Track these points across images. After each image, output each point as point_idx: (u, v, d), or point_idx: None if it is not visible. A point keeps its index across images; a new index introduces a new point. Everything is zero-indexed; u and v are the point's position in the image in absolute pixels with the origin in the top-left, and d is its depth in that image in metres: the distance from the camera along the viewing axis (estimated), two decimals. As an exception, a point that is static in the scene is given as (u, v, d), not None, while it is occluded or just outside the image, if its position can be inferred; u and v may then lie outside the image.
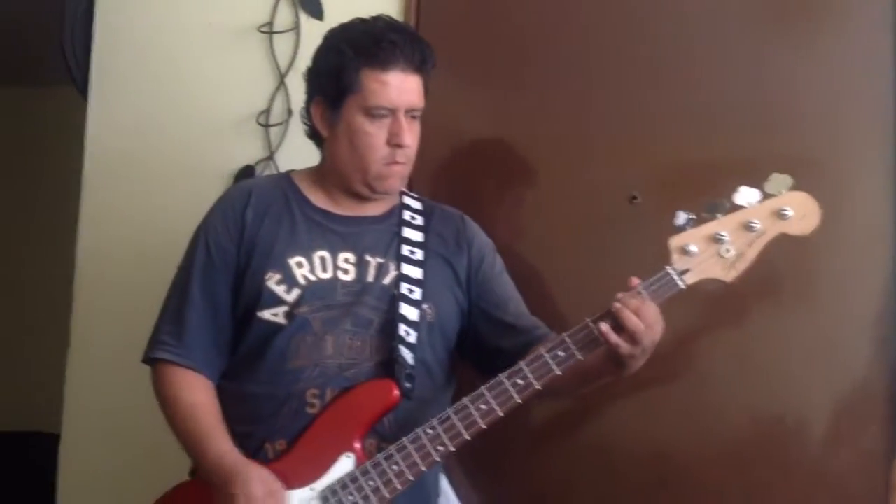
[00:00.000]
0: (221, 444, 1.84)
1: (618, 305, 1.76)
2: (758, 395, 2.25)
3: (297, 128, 2.52)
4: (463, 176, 2.49)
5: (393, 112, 1.91)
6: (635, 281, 1.80)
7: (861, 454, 2.20)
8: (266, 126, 2.60)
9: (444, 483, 2.13)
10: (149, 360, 1.96)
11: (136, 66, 2.74)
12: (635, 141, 2.35)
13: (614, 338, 1.75)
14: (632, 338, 1.74)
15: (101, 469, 2.65)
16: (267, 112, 2.61)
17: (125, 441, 2.62)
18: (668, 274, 1.81)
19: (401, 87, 1.90)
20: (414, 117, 1.94)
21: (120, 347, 2.60)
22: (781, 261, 1.90)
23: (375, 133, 1.91)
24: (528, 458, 2.37)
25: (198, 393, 1.91)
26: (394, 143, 1.91)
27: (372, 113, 1.91)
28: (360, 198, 1.99)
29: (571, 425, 2.38)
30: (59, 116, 3.42)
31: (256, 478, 1.78)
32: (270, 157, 2.59)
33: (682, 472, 2.27)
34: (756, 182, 1.82)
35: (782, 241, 1.83)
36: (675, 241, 1.82)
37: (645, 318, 1.75)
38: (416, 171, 2.13)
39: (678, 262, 1.81)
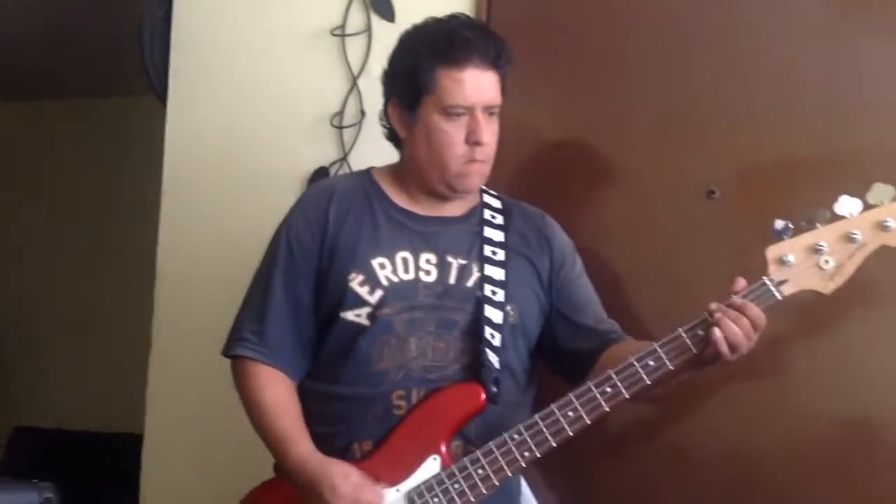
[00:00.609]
0: (302, 446, 1.86)
1: (718, 316, 1.75)
2: (846, 400, 2.18)
3: (370, 129, 2.56)
4: (540, 174, 2.47)
5: (470, 110, 1.90)
6: (741, 284, 1.79)
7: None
8: (339, 128, 2.62)
9: (524, 485, 2.12)
10: (230, 355, 1.98)
11: (212, 72, 2.78)
12: (713, 135, 2.30)
13: (725, 347, 1.74)
14: (731, 348, 1.75)
15: (184, 469, 2.70)
16: (340, 114, 2.62)
17: (207, 441, 2.67)
18: (765, 284, 1.79)
19: (477, 85, 1.89)
20: (492, 114, 1.93)
21: (200, 348, 2.64)
22: (875, 263, 1.83)
23: (453, 132, 1.90)
24: (608, 460, 2.34)
25: (280, 392, 1.93)
26: (472, 140, 1.90)
27: (449, 112, 1.90)
28: (441, 197, 1.99)
29: (653, 427, 2.34)
30: (140, 126, 3.48)
31: (340, 475, 1.79)
32: (344, 159, 2.60)
33: (767, 477, 2.21)
34: (853, 187, 1.78)
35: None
36: (772, 252, 1.79)
37: (744, 328, 1.75)
38: (495, 171, 2.12)
39: (775, 272, 1.79)
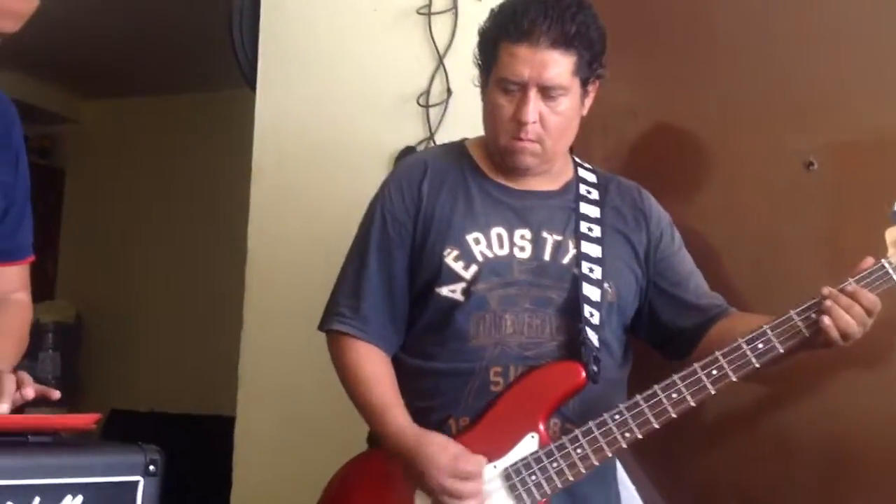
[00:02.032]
0: (400, 417, 1.85)
1: (828, 304, 1.71)
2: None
3: (456, 108, 2.56)
4: (636, 152, 2.44)
5: (522, 87, 1.85)
6: (868, 262, 1.75)
7: None
8: (426, 107, 2.61)
9: (619, 467, 2.09)
10: (326, 330, 1.98)
11: (299, 54, 2.80)
12: (812, 106, 2.25)
13: (835, 333, 1.71)
14: (844, 336, 1.71)
15: (275, 449, 2.72)
16: (427, 93, 2.62)
17: (298, 421, 2.68)
18: (884, 268, 1.75)
19: (530, 61, 1.82)
20: (552, 96, 1.85)
21: (291, 329, 2.68)
22: None
23: (505, 106, 1.87)
24: (703, 450, 2.31)
25: (376, 365, 1.92)
26: (515, 117, 1.86)
27: (502, 86, 1.87)
28: (518, 170, 1.95)
29: (748, 419, 2.30)
30: (230, 118, 3.53)
31: (439, 446, 1.78)
32: (430, 138, 2.59)
33: (865, 471, 2.15)
34: None
35: None
36: (891, 233, 1.76)
37: (857, 316, 1.71)
38: (589, 151, 2.09)
39: (895, 255, 1.74)
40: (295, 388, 2.70)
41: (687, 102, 2.39)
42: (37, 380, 1.59)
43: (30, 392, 1.52)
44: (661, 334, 1.98)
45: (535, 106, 1.84)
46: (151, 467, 1.50)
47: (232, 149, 3.16)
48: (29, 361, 1.62)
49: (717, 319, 1.92)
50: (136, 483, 1.48)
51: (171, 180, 5.23)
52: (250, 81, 2.92)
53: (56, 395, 1.56)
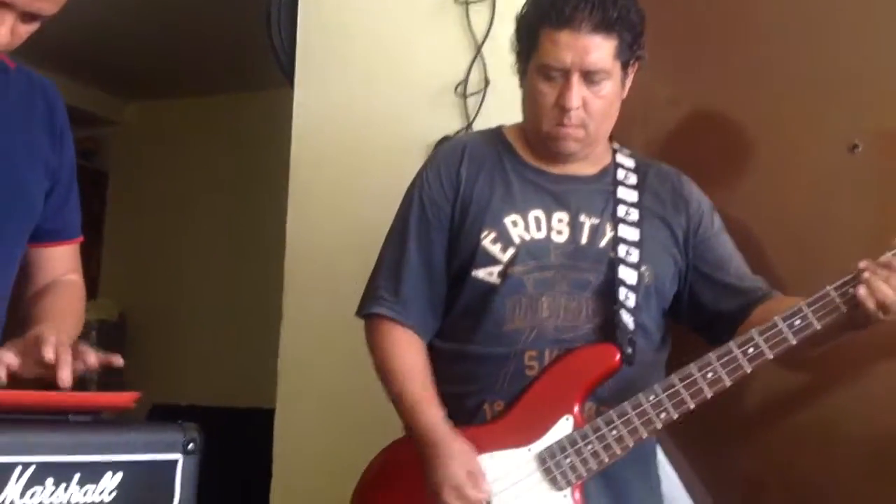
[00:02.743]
0: (432, 413, 1.84)
1: (866, 275, 1.68)
2: None
3: (494, 97, 2.55)
4: (677, 137, 2.42)
5: (565, 73, 1.83)
6: None
7: None
8: (464, 96, 2.61)
9: (659, 451, 2.06)
10: (365, 314, 1.98)
11: (337, 46, 2.81)
12: (855, 87, 2.21)
13: (872, 304, 1.67)
14: (883, 308, 1.68)
15: (315, 441, 2.73)
16: (464, 83, 2.61)
17: (337, 414, 2.69)
18: None
19: (573, 47, 1.81)
20: (595, 81, 1.84)
21: (330, 322, 2.68)
22: None
23: (547, 93, 1.86)
24: (745, 440, 2.28)
25: (412, 355, 1.92)
26: (559, 104, 1.85)
27: (544, 72, 1.86)
28: (557, 157, 1.94)
29: (790, 408, 2.27)
30: (269, 117, 3.55)
31: (461, 461, 1.77)
32: (468, 127, 2.58)
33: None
34: None
35: None
36: None
37: (893, 282, 1.68)
38: (629, 137, 2.08)
39: None
40: (333, 380, 2.70)
41: (728, 89, 2.37)
42: (80, 378, 1.58)
43: (92, 359, 1.53)
44: (703, 318, 1.96)
45: (578, 91, 1.83)
46: (191, 445, 1.50)
47: (272, 148, 3.18)
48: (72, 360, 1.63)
49: (759, 302, 1.89)
50: (175, 461, 1.49)
51: (211, 180, 5.29)
52: (289, 77, 2.93)
53: (119, 360, 1.56)
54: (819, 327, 1.72)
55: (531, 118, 1.93)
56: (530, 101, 1.92)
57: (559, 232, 1.90)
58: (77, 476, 1.40)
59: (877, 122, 2.18)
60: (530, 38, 1.89)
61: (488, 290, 1.87)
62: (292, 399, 2.81)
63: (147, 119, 5.71)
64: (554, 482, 1.77)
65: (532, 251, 1.87)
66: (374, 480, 1.90)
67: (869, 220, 1.99)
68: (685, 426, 2.18)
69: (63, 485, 1.37)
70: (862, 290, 1.68)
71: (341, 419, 2.67)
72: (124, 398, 1.50)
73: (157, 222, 5.45)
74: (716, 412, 2.20)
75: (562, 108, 1.85)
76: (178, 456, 1.49)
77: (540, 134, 1.91)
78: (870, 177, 2.15)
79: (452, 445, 1.78)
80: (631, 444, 1.76)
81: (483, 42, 2.59)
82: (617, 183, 1.96)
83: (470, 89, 2.60)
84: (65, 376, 1.47)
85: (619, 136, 2.13)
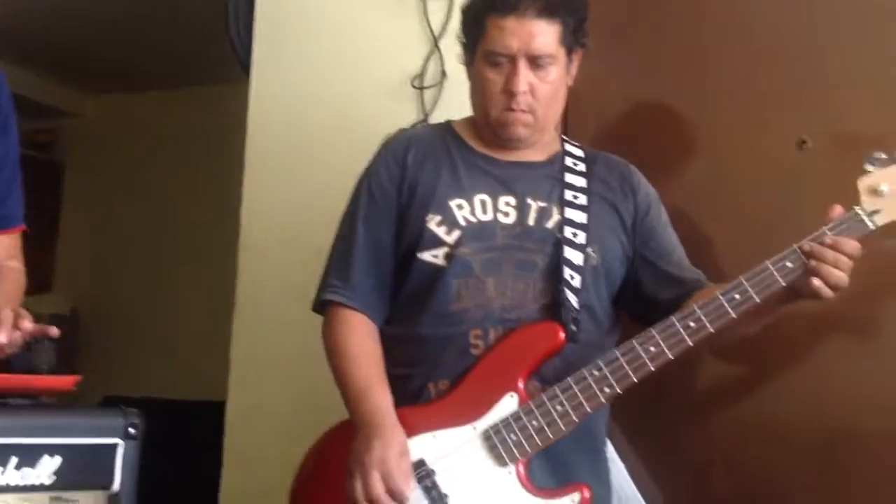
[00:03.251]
0: (382, 399, 1.83)
1: (814, 264, 1.71)
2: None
3: (451, 90, 2.55)
4: (624, 131, 2.44)
5: (511, 58, 1.86)
6: (837, 211, 1.75)
7: None
8: (420, 89, 2.61)
9: (610, 448, 2.07)
10: (318, 305, 1.98)
11: (294, 37, 2.80)
12: (806, 84, 2.24)
13: (828, 292, 1.71)
14: (836, 289, 1.71)
15: (266, 434, 2.71)
16: (421, 75, 2.61)
17: (289, 406, 2.67)
18: (858, 215, 1.74)
19: (518, 33, 1.84)
20: (541, 66, 1.87)
21: (283, 314, 2.67)
22: None
23: (494, 79, 1.89)
24: (693, 429, 2.30)
25: (363, 339, 1.92)
26: (507, 89, 1.87)
27: (491, 59, 1.88)
28: (506, 144, 1.96)
29: (738, 400, 2.29)
30: (225, 110, 3.53)
31: (397, 452, 1.76)
32: (425, 120, 2.58)
33: (853, 447, 2.14)
34: None
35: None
36: (863, 182, 1.76)
37: (845, 267, 1.71)
38: (577, 130, 2.09)
39: (868, 202, 1.75)
40: (285, 372, 2.69)
41: (679, 85, 2.39)
42: (32, 371, 1.58)
43: (27, 325, 1.52)
44: (641, 306, 1.97)
45: (524, 76, 1.86)
46: (132, 430, 1.50)
47: (229, 142, 3.16)
48: (24, 352, 1.62)
49: (694, 292, 1.91)
50: (115, 446, 1.48)
51: (169, 174, 5.26)
52: (246, 69, 2.92)
53: (55, 331, 1.56)
54: (759, 300, 1.74)
55: (479, 105, 1.95)
56: (478, 88, 1.94)
57: (506, 214, 1.91)
58: (14, 459, 1.39)
59: (825, 119, 2.20)
60: (476, 26, 1.91)
61: (435, 272, 1.88)
62: (243, 391, 2.79)
63: (105, 112, 5.66)
64: (499, 458, 1.77)
65: (478, 233, 1.88)
66: (314, 464, 1.89)
67: (817, 216, 1.99)
68: (635, 417, 2.21)
69: (-1, 468, 1.36)
70: (816, 282, 1.70)
71: (292, 411, 2.65)
72: (65, 381, 1.49)
73: (113, 216, 5.40)
74: (664, 403, 2.25)
75: (509, 94, 1.87)
76: (118, 441, 1.48)
77: (489, 120, 1.93)
78: (818, 173, 2.17)
79: (393, 434, 1.78)
80: (576, 419, 1.77)
81: (440, 35, 2.59)
82: (565, 169, 1.98)
83: (427, 82, 2.61)
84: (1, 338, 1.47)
85: (572, 129, 2.15)
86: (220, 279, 3.05)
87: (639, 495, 2.15)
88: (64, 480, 1.42)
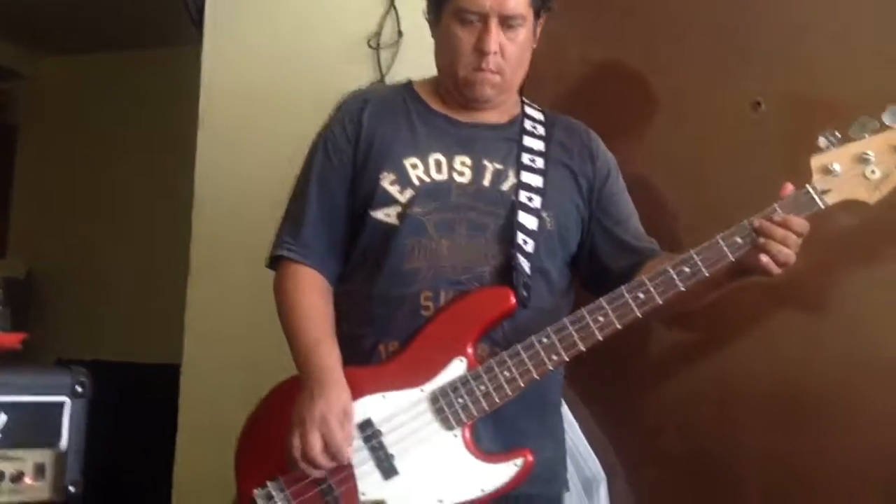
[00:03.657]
0: (330, 357, 1.82)
1: (763, 241, 1.72)
2: (885, 334, 2.11)
3: (408, 50, 2.54)
4: (582, 95, 2.43)
5: (483, 17, 1.85)
6: (788, 188, 1.76)
7: None
8: (377, 48, 2.59)
9: (565, 409, 2.09)
10: (270, 262, 1.97)
11: (248, -2, 2.76)
12: (762, 47, 2.25)
13: (775, 269, 1.71)
14: (782, 266, 1.72)
15: (221, 395, 2.70)
16: (377, 35, 2.59)
17: (244, 368, 2.65)
18: (809, 193, 1.75)
19: None
20: (510, 26, 1.87)
21: (238, 276, 2.66)
22: None
23: (464, 38, 1.87)
24: (649, 393, 2.32)
25: (314, 295, 1.90)
26: (478, 48, 1.86)
27: (461, 17, 1.87)
28: (469, 105, 1.95)
29: (690, 362, 2.31)
30: (187, 74, 3.49)
31: (340, 411, 1.75)
32: (381, 80, 2.57)
33: (806, 409, 2.17)
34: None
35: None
36: (817, 160, 1.76)
37: (793, 244, 1.71)
38: (536, 93, 2.09)
39: (819, 181, 1.75)
40: (240, 334, 2.68)
41: (637, 48, 2.39)
42: None
43: None
44: (595, 273, 1.97)
45: (496, 36, 1.85)
46: (79, 388, 1.49)
47: (184, 105, 3.12)
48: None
49: (648, 261, 1.91)
50: (62, 404, 1.47)
51: (124, 136, 5.18)
52: (200, 30, 2.88)
53: None
54: (707, 274, 1.75)
55: (447, 64, 1.93)
56: (446, 46, 1.91)
57: (461, 174, 1.90)
58: (-43, 417, 1.37)
59: (780, 81, 2.21)
60: None
61: (387, 230, 1.87)
62: (199, 354, 2.79)
63: (60, 74, 5.55)
64: (445, 422, 1.77)
65: (432, 193, 1.87)
66: (260, 417, 1.90)
67: (772, 178, 2.00)
68: (591, 381, 2.22)
69: (-57, 426, 1.34)
70: (764, 259, 1.71)
71: (247, 374, 2.62)
72: (11, 338, 1.47)
73: (68, 179, 5.32)
74: (620, 368, 2.27)
75: (480, 52, 1.86)
76: (65, 399, 1.47)
77: (456, 80, 1.91)
78: (772, 135, 2.18)
79: (338, 392, 1.77)
80: (523, 385, 1.77)
81: (397, -6, 2.57)
82: (524, 132, 1.97)
83: (383, 42, 2.59)
84: None
85: (533, 92, 2.14)
86: (176, 242, 3.02)
87: (593, 455, 2.18)
88: (10, 438, 1.41)
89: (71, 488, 1.49)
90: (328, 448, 1.74)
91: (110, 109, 5.24)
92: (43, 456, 1.43)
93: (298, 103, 2.64)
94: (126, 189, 5.12)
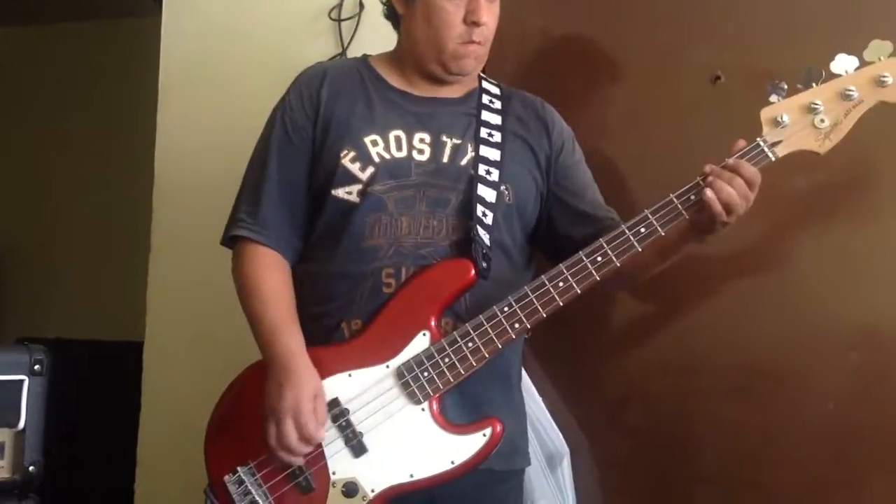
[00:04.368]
0: (293, 340, 1.82)
1: (711, 178, 1.72)
2: (855, 298, 2.15)
3: (369, 22, 2.52)
4: (541, 68, 2.43)
5: None
6: (740, 144, 1.76)
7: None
8: (338, 21, 2.57)
9: (528, 381, 2.09)
10: (227, 240, 1.94)
11: (207, -32, 2.73)
12: (720, 20, 2.26)
13: (718, 206, 1.70)
14: (727, 208, 1.71)
15: (184, 374, 2.69)
16: (339, 7, 2.57)
17: (206, 345, 2.65)
18: (759, 146, 1.75)
19: None
20: None
21: (199, 252, 2.62)
22: (879, 159, 1.80)
23: (453, 10, 1.87)
24: (609, 364, 2.34)
25: (275, 277, 1.89)
26: (471, 20, 1.86)
27: None
28: (436, 80, 1.94)
29: (652, 333, 2.33)
30: (140, 45, 3.43)
31: (310, 393, 1.75)
32: (343, 53, 2.55)
33: (768, 378, 2.20)
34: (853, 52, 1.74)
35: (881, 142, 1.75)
36: (766, 113, 1.76)
37: (739, 188, 1.71)
38: (494, 68, 2.09)
39: (769, 133, 1.75)
40: (203, 311, 2.67)
41: (596, 21, 2.39)
42: None
43: None
44: (555, 244, 1.98)
45: (486, 7, 1.87)
46: (37, 367, 1.47)
47: (144, 77, 3.07)
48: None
49: (607, 231, 1.91)
50: (20, 382, 1.46)
51: (82, 110, 5.09)
52: (158, 1, 2.83)
53: None
54: (663, 233, 1.76)
55: (431, 39, 1.90)
56: (432, 19, 1.89)
57: (420, 151, 1.89)
58: (-88, 397, 1.35)
59: (738, 54, 2.23)
60: None
61: (348, 208, 1.86)
62: (161, 331, 2.76)
63: (13, 45, 5.44)
64: (412, 396, 1.78)
65: (392, 170, 1.87)
66: (225, 412, 1.88)
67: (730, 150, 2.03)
68: (554, 355, 2.24)
69: None
70: (708, 192, 1.71)
71: (210, 351, 2.63)
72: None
73: (26, 155, 5.24)
74: (581, 338, 2.28)
75: (473, 24, 1.86)
76: (23, 377, 1.45)
77: (442, 54, 1.90)
78: (731, 108, 2.18)
79: (305, 377, 1.77)
80: (487, 355, 1.77)
81: (359, -34, 2.55)
82: (481, 106, 1.97)
83: (344, 14, 2.57)
84: None
85: (493, 65, 2.13)
86: (137, 219, 2.99)
87: (554, 426, 2.20)
88: (-33, 418, 1.39)
89: (31, 468, 1.48)
90: (303, 435, 1.74)
91: (67, 83, 5.14)
92: (2, 435, 1.41)
93: (260, 77, 2.61)
94: (86, 165, 5.05)
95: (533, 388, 2.16)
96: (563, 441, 2.20)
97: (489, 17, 1.88)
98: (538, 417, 2.13)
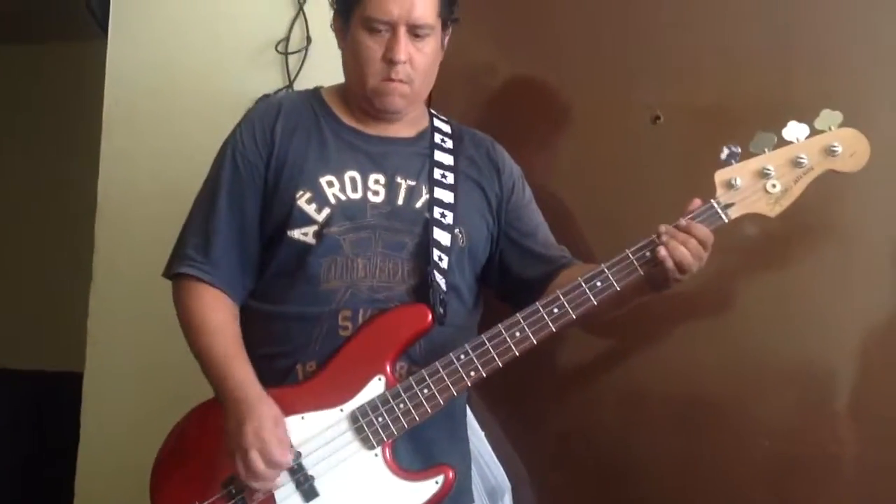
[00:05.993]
0: (243, 370, 1.81)
1: (665, 238, 1.75)
2: (793, 337, 2.19)
3: (316, 55, 2.53)
4: (487, 108, 2.46)
5: (392, 26, 1.85)
6: (695, 203, 1.79)
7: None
8: (285, 54, 2.57)
9: (470, 416, 2.10)
10: (172, 275, 1.92)
11: (154, -1, 2.71)
12: (660, 61, 2.31)
13: (671, 264, 1.74)
14: (680, 268, 1.74)
15: (125, 406, 2.66)
16: (286, 40, 2.57)
17: (148, 377, 2.63)
18: (713, 207, 1.79)
19: (399, 2, 1.83)
20: (418, 35, 1.87)
21: (142, 283, 2.59)
22: (818, 201, 1.85)
23: (373, 46, 1.86)
24: (552, 397, 2.36)
25: (221, 313, 1.87)
26: (387, 57, 1.86)
27: (370, 26, 1.86)
28: (374, 116, 1.94)
29: (598, 365, 2.36)
30: (83, 69, 3.40)
31: (271, 419, 1.74)
32: (289, 86, 2.55)
33: (713, 412, 2.23)
34: (803, 116, 1.80)
35: (821, 181, 1.81)
36: (720, 175, 1.80)
37: (692, 248, 1.74)
38: (444, 106, 2.10)
39: (723, 195, 1.80)
40: (144, 343, 2.64)
41: (542, 60, 2.42)
42: None
43: None
44: (509, 285, 2.00)
45: (405, 45, 1.85)
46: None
47: (86, 103, 3.05)
48: None
49: (561, 269, 1.95)
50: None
51: (21, 135, 5.02)
52: (102, 25, 2.82)
53: None
54: (618, 288, 1.78)
55: (355, 74, 1.91)
56: (354, 56, 1.90)
57: (375, 193, 1.89)
58: None
59: (677, 94, 2.28)
60: None
61: (304, 250, 1.85)
62: (102, 362, 2.73)
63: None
64: (365, 441, 1.77)
65: (347, 211, 1.86)
66: (175, 445, 1.86)
67: (671, 189, 2.07)
68: (496, 388, 2.25)
69: None
70: (662, 251, 1.74)
71: (152, 383, 2.62)
72: None
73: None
74: (526, 376, 2.29)
75: (389, 62, 1.86)
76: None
77: (365, 90, 1.90)
78: (671, 147, 2.25)
79: (262, 406, 1.76)
80: (441, 402, 1.78)
81: (305, -1, 2.56)
82: (434, 146, 1.98)
83: (291, 47, 2.57)
84: None
85: (440, 101, 2.16)
86: (78, 247, 2.96)
87: (496, 460, 2.20)
88: None
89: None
90: (270, 462, 1.72)
91: (8, 106, 5.08)
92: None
93: (205, 108, 2.61)
94: (28, 191, 4.96)
95: (475, 423, 2.17)
96: (505, 475, 2.20)
97: (415, 55, 1.87)
98: (480, 452, 2.13)
